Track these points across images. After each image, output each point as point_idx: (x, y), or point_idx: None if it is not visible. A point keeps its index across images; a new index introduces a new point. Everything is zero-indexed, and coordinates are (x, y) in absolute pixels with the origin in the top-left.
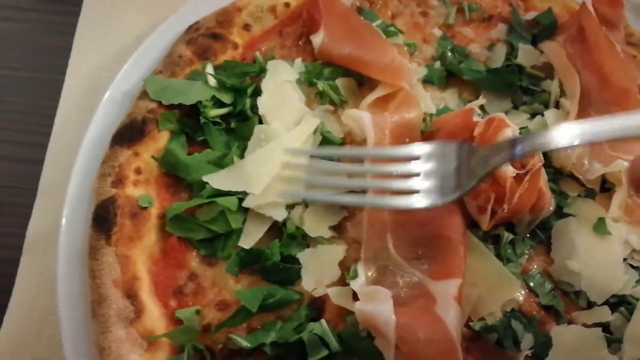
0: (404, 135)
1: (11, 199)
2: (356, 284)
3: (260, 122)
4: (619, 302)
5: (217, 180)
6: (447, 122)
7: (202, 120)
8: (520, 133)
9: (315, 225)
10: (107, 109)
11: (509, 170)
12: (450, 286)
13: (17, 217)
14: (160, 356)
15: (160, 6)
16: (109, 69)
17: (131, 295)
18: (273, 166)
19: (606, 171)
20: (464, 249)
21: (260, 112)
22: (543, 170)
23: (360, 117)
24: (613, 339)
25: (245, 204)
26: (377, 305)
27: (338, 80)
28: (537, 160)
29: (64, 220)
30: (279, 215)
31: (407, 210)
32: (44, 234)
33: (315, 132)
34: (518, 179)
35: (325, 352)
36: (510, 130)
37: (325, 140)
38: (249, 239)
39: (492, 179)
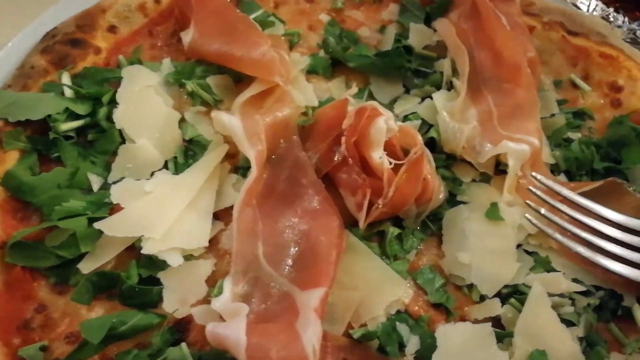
0: (279, 134)
1: None
2: (217, 302)
3: (121, 137)
4: (511, 293)
5: (109, 226)
6: (324, 115)
7: (52, 135)
8: (407, 119)
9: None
10: None
11: (385, 161)
12: (313, 297)
13: None
14: None
15: (32, 15)
16: None
17: None
18: (174, 209)
19: (495, 152)
20: (336, 252)
21: (118, 126)
22: (430, 158)
23: (230, 124)
24: (504, 333)
25: (144, 250)
26: (228, 326)
27: (209, 78)
28: (419, 149)
29: None
30: (175, 260)
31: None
32: None
33: (185, 136)
34: (398, 169)
35: None
36: (383, 120)
37: (196, 143)
38: (92, 262)
39: (369, 172)
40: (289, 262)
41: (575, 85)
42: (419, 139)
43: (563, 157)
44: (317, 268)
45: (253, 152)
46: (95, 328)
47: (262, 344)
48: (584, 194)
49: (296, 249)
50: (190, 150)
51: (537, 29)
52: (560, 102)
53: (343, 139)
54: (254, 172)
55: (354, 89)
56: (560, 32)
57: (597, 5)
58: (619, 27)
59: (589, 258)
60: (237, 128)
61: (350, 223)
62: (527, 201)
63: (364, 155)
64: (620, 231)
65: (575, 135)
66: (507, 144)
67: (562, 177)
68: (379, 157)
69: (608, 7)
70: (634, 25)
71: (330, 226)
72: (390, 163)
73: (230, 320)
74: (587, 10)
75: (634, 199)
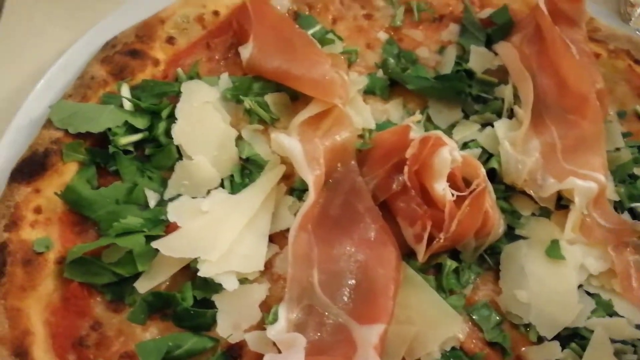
0: (337, 159)
1: None
2: (273, 330)
3: (179, 153)
4: (571, 336)
5: (166, 245)
6: (383, 140)
7: (112, 149)
8: (467, 146)
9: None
10: (11, 139)
11: (448, 193)
12: (372, 333)
13: None
14: None
15: (87, 19)
16: (24, 91)
17: (21, 353)
18: (231, 231)
19: (560, 188)
20: (394, 286)
21: (176, 142)
22: (490, 189)
23: (290, 147)
24: None
25: (201, 273)
26: (286, 358)
27: (267, 96)
28: (482, 180)
29: None
30: (231, 284)
31: None
32: None
33: (242, 154)
34: (459, 201)
35: None
36: (448, 150)
37: (253, 164)
38: (148, 282)
39: (429, 203)
40: (345, 292)
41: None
42: (482, 170)
43: (627, 194)
44: (376, 302)
45: (312, 176)
46: (152, 350)
47: None
48: None
49: (352, 279)
50: (247, 169)
51: (603, 57)
52: (624, 135)
53: (406, 168)
54: (311, 197)
55: (418, 116)
56: (627, 60)
57: None
58: None
59: None
60: (297, 151)
61: (406, 253)
62: None
63: (424, 185)
64: None
65: None
66: (574, 180)
67: (625, 215)
68: (442, 188)
69: None
70: None
71: (388, 258)
72: (453, 195)
73: (286, 351)
74: None
75: None
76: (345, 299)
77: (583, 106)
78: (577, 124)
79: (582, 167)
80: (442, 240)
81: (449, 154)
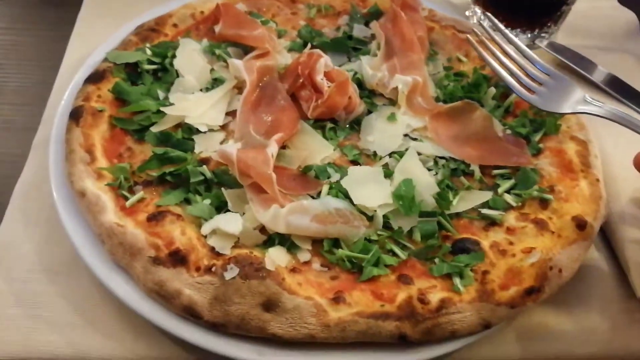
0: (266, 73)
1: None
2: (226, 147)
3: (177, 75)
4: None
5: (169, 109)
6: (292, 63)
7: (140, 70)
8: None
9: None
10: (86, 70)
11: (325, 82)
12: (276, 136)
13: None
14: (104, 183)
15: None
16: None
17: (89, 151)
18: (204, 105)
19: (394, 84)
20: (293, 126)
21: (176, 67)
22: (354, 86)
23: (237, 64)
24: (389, 172)
25: (187, 120)
26: (228, 147)
27: (229, 48)
28: (343, 77)
29: (54, 129)
30: (203, 129)
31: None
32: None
33: (213, 76)
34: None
35: (201, 177)
36: (324, 60)
37: (219, 81)
38: (158, 127)
39: (316, 90)
40: (264, 130)
41: (459, 60)
42: (346, 73)
43: (442, 93)
44: (279, 129)
45: (248, 78)
46: (157, 152)
47: (244, 157)
48: (450, 110)
49: (269, 124)
50: (215, 84)
51: (436, 28)
52: (447, 68)
53: (299, 69)
54: (248, 88)
55: (308, 47)
56: (452, 30)
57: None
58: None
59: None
60: (240, 65)
61: (304, 119)
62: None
63: (313, 80)
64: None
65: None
66: (398, 76)
67: (440, 104)
68: (320, 79)
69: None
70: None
71: (291, 115)
72: (328, 85)
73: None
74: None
75: (481, 112)
76: (264, 132)
77: (411, 45)
78: (408, 55)
79: (408, 74)
80: (319, 104)
81: (324, 61)
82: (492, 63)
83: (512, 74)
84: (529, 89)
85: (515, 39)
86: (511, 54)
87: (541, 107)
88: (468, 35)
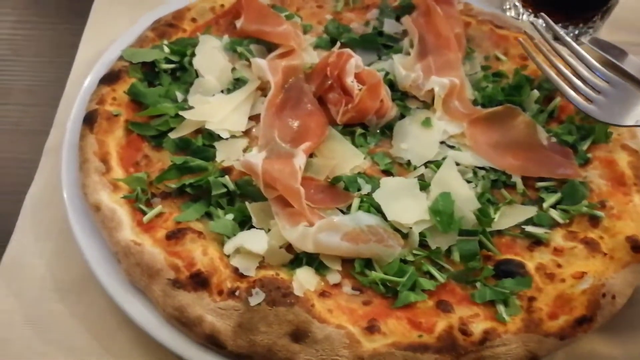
0: (291, 73)
1: None
2: (249, 156)
3: (197, 75)
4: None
5: (188, 113)
6: (320, 63)
7: (157, 70)
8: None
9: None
10: (100, 69)
11: (355, 85)
12: (304, 146)
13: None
14: (120, 195)
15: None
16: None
17: (104, 160)
18: (225, 109)
19: (430, 86)
20: (321, 132)
21: (195, 67)
22: (387, 89)
23: (260, 64)
24: (425, 184)
25: (207, 126)
26: (252, 157)
27: (252, 45)
28: (375, 79)
29: (67, 135)
30: (225, 135)
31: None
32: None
33: (234, 77)
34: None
35: (224, 190)
36: (354, 60)
37: (241, 81)
38: (177, 133)
39: (346, 93)
40: (290, 137)
41: (498, 58)
42: (378, 75)
43: (481, 95)
44: (307, 137)
45: (273, 79)
46: (177, 161)
47: (270, 168)
48: (489, 115)
49: (296, 131)
50: (237, 85)
51: (473, 24)
52: (484, 67)
53: (328, 70)
54: (273, 91)
55: (337, 45)
56: (489, 25)
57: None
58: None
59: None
60: (264, 65)
61: (332, 124)
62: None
63: (342, 82)
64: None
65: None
66: (434, 78)
67: (479, 107)
68: (350, 81)
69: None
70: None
71: (319, 120)
72: (359, 88)
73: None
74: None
75: (524, 118)
76: (290, 139)
77: (447, 43)
78: (444, 53)
79: (444, 76)
80: (349, 109)
81: (354, 62)
82: (547, 70)
83: (568, 81)
84: (586, 98)
85: (573, 43)
86: (567, 59)
87: (601, 119)
88: (520, 38)
